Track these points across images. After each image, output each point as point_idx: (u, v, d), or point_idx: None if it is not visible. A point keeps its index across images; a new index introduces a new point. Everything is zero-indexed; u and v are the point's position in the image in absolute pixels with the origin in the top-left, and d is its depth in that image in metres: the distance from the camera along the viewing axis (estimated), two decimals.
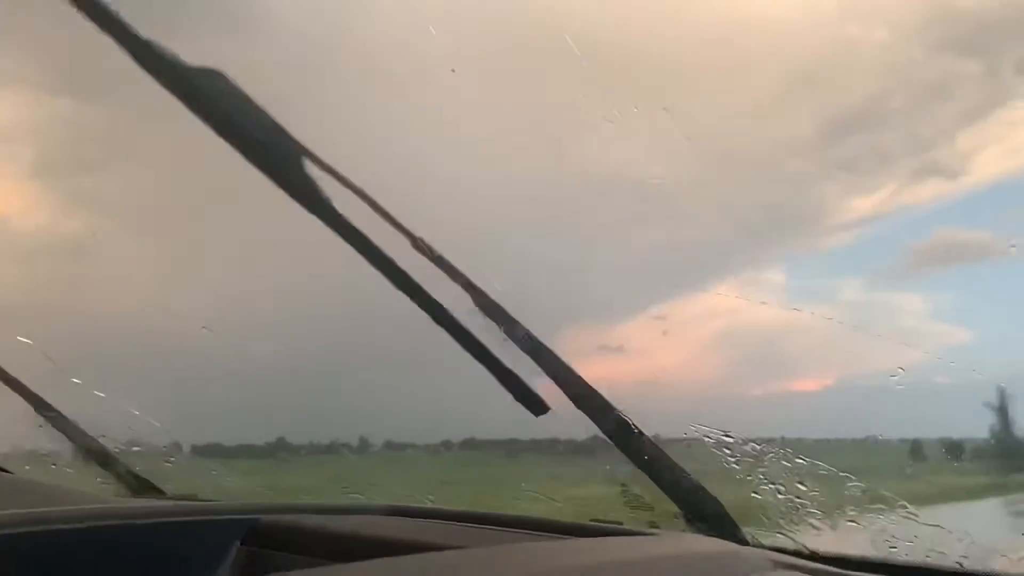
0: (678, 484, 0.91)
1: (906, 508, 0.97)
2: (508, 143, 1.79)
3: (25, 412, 1.45)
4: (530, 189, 1.90)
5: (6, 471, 1.29)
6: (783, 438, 1.09)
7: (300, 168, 0.79)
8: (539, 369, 0.89)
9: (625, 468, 0.93)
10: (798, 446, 1.06)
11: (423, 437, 2.32)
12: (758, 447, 1.07)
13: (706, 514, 0.90)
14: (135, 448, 1.62)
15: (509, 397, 0.93)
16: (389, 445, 2.53)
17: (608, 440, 0.90)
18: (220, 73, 0.77)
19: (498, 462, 2.25)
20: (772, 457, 1.06)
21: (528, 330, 0.89)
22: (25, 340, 1.60)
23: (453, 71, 1.23)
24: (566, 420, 0.92)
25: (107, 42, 0.77)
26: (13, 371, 1.42)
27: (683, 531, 0.91)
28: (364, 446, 2.49)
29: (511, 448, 2.16)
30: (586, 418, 0.89)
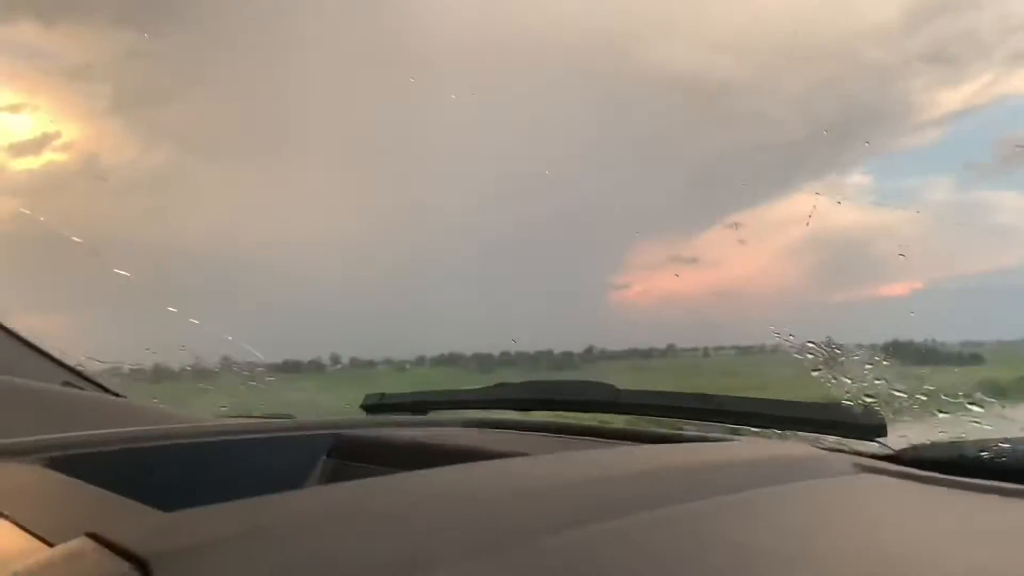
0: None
1: (1002, 410, 0.93)
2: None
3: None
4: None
5: (119, 395, 1.38)
6: (871, 344, 1.04)
7: None
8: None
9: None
10: (886, 351, 1.02)
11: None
12: (843, 352, 1.04)
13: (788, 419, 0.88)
14: (231, 369, 1.71)
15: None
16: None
17: None
18: None
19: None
20: (858, 362, 1.03)
21: None
22: (123, 272, 1.68)
23: None
24: None
25: None
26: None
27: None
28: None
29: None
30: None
